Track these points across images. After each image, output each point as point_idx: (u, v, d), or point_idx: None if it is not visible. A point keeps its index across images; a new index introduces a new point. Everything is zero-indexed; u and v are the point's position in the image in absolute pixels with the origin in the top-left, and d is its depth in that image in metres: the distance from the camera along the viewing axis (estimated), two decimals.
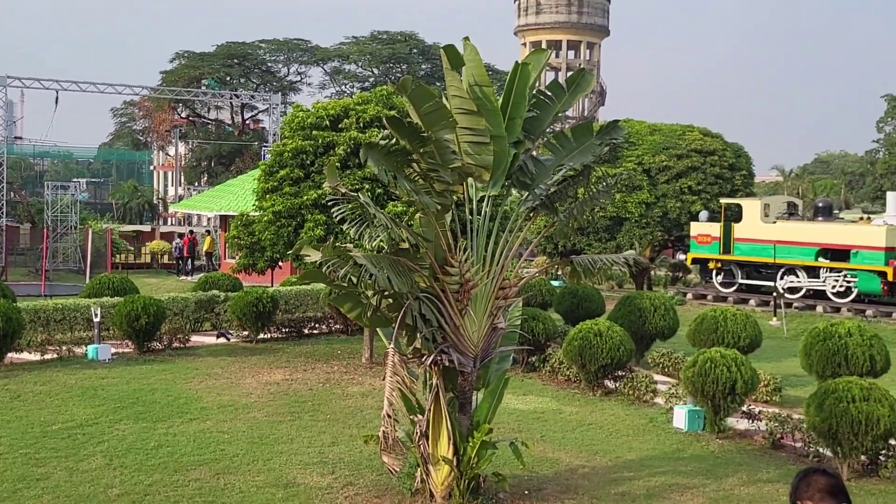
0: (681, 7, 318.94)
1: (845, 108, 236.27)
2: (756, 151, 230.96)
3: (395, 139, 10.00)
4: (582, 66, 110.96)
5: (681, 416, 15.71)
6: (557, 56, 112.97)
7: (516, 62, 10.92)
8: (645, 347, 21.88)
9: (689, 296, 34.07)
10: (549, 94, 11.50)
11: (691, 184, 35.05)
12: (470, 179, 11.03)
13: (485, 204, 11.16)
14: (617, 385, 18.21)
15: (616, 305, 22.35)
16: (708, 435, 15.24)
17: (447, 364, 10.76)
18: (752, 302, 32.23)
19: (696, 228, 33.84)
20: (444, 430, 10.89)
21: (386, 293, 10.49)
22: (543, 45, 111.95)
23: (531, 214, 11.91)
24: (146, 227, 57.95)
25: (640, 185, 34.98)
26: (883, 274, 29.35)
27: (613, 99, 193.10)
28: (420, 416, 11.00)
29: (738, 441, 15.02)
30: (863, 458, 13.06)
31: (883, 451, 13.05)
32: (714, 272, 33.82)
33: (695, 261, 34.44)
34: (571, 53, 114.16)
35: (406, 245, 10.54)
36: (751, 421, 15.27)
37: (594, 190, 12.06)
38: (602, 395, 18.09)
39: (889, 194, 32.39)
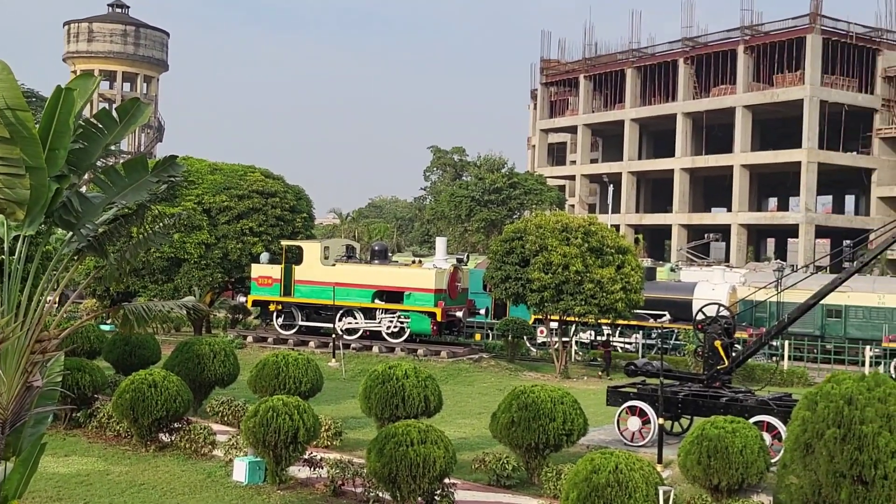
0: (240, 47, 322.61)
1: (396, 156, 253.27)
2: (315, 194, 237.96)
3: None
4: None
5: (241, 469, 15.00)
6: (112, 87, 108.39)
7: (58, 86, 9.65)
8: (204, 395, 20.91)
9: (250, 339, 33.56)
10: (99, 124, 10.34)
11: (253, 225, 34.70)
12: (0, 217, 9.54)
13: (20, 244, 9.72)
14: (173, 438, 17.08)
15: (173, 352, 21.17)
16: (269, 487, 14.70)
17: None
18: (311, 344, 32.47)
19: (256, 270, 33.50)
20: None
21: None
22: (95, 75, 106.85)
23: (77, 256, 10.62)
24: None
25: (200, 226, 33.96)
26: (433, 314, 31.01)
27: (173, 135, 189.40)
28: None
29: (299, 491, 14.65)
30: (419, 499, 13.25)
31: (438, 492, 13.34)
32: (275, 314, 33.67)
33: (255, 303, 34.02)
34: (127, 86, 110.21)
35: None
36: (312, 469, 14.94)
37: (149, 230, 11.09)
38: (157, 450, 16.86)
39: (438, 239, 34.41)
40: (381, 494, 13.67)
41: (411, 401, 16.97)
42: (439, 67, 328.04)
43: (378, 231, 75.05)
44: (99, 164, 12.18)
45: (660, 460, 15.75)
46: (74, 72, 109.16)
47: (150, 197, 10.77)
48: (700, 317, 18.29)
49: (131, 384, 16.69)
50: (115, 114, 10.44)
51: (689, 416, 18.42)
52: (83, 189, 10.93)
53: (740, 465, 13.20)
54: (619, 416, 17.95)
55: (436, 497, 13.31)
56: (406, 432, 12.95)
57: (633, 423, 17.63)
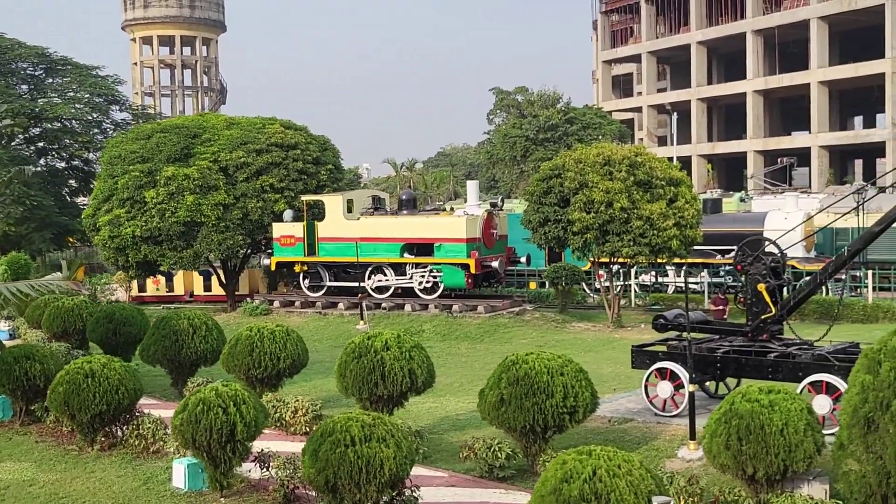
0: (301, 5, 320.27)
1: (466, 103, 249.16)
2: (384, 148, 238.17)
3: None
4: (198, 62, 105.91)
5: (179, 473, 12.55)
6: (171, 52, 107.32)
7: None
8: (187, 375, 18.58)
9: (276, 304, 31.23)
10: None
11: (273, 181, 31.96)
12: None
13: None
14: (124, 433, 14.72)
15: (149, 330, 18.94)
16: (212, 494, 12.18)
17: None
18: (340, 305, 30.01)
19: (278, 229, 30.99)
20: None
21: None
22: (155, 41, 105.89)
23: None
24: None
25: (217, 185, 31.42)
26: (466, 266, 28.16)
27: (236, 97, 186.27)
28: None
29: (246, 497, 12.13)
30: None
31: (397, 496, 10.64)
32: (301, 276, 31.21)
33: (280, 265, 31.54)
34: (187, 49, 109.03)
35: None
36: (265, 468, 12.38)
37: None
38: (104, 448, 14.54)
39: (469, 183, 31.38)
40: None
41: (392, 376, 14.20)
42: (500, 7, 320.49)
43: (435, 179, 72.03)
44: None
45: (692, 436, 12.74)
46: (134, 39, 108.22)
47: None
48: (741, 255, 15.01)
49: (66, 375, 14.31)
50: None
51: (737, 377, 15.30)
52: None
53: (781, 448, 10.14)
54: (646, 380, 14.92)
55: None
56: (346, 428, 10.23)
57: (664, 388, 14.58)
